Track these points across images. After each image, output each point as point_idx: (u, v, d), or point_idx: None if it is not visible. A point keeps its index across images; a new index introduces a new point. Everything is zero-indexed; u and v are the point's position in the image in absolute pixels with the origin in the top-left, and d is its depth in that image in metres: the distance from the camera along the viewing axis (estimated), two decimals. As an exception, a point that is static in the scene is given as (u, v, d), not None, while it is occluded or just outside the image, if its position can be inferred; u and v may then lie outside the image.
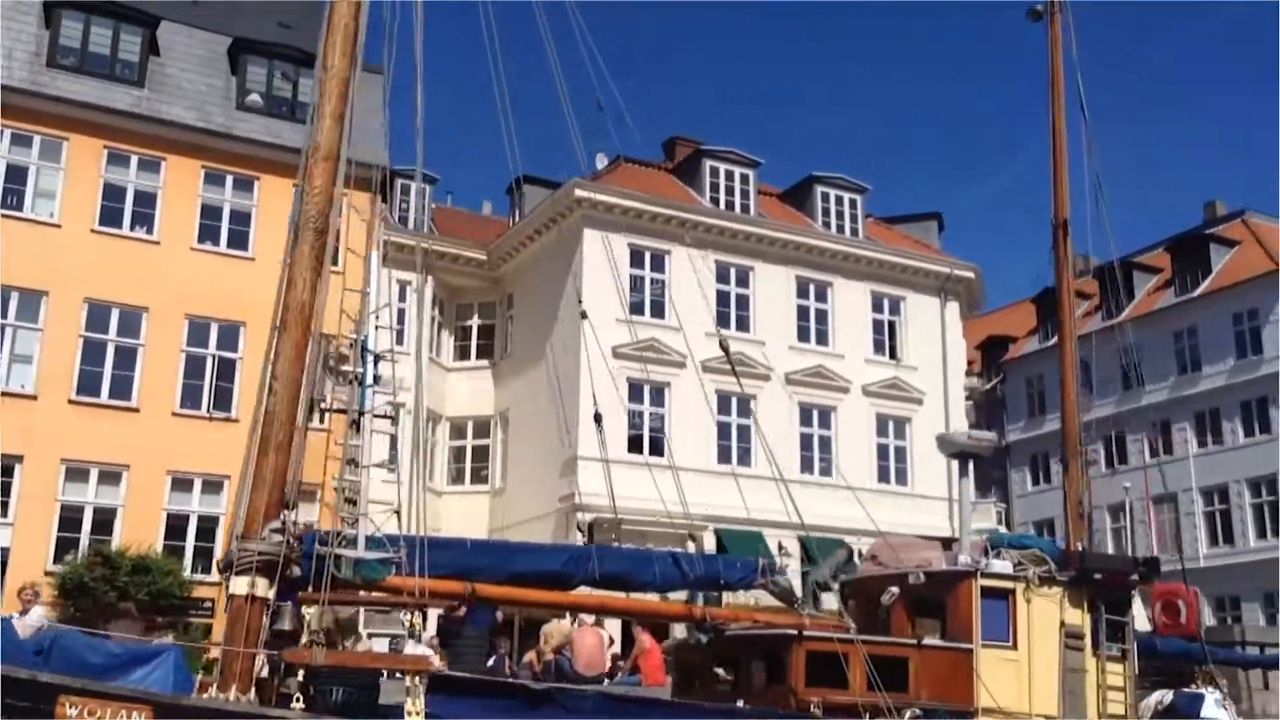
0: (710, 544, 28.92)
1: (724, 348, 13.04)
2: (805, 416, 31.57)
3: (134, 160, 24.87)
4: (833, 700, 10.17)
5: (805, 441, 31.46)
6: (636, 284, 30.30)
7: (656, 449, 29.34)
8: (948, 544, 12.66)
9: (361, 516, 8.38)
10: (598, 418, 13.67)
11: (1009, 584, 11.70)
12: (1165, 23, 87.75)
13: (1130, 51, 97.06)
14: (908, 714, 10.56)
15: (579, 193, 29.58)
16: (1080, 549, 12.43)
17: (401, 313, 31.92)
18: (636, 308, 30.09)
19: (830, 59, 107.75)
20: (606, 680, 14.45)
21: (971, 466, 13.08)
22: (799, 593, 11.88)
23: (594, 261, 29.67)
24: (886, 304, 33.65)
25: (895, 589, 11.89)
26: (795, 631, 10.47)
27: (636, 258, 30.38)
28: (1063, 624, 11.83)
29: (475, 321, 33.81)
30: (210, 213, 25.57)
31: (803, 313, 32.31)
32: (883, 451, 32.43)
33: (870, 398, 32.31)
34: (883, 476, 32.20)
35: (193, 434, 23.97)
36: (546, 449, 29.67)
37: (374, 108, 27.36)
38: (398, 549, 8.35)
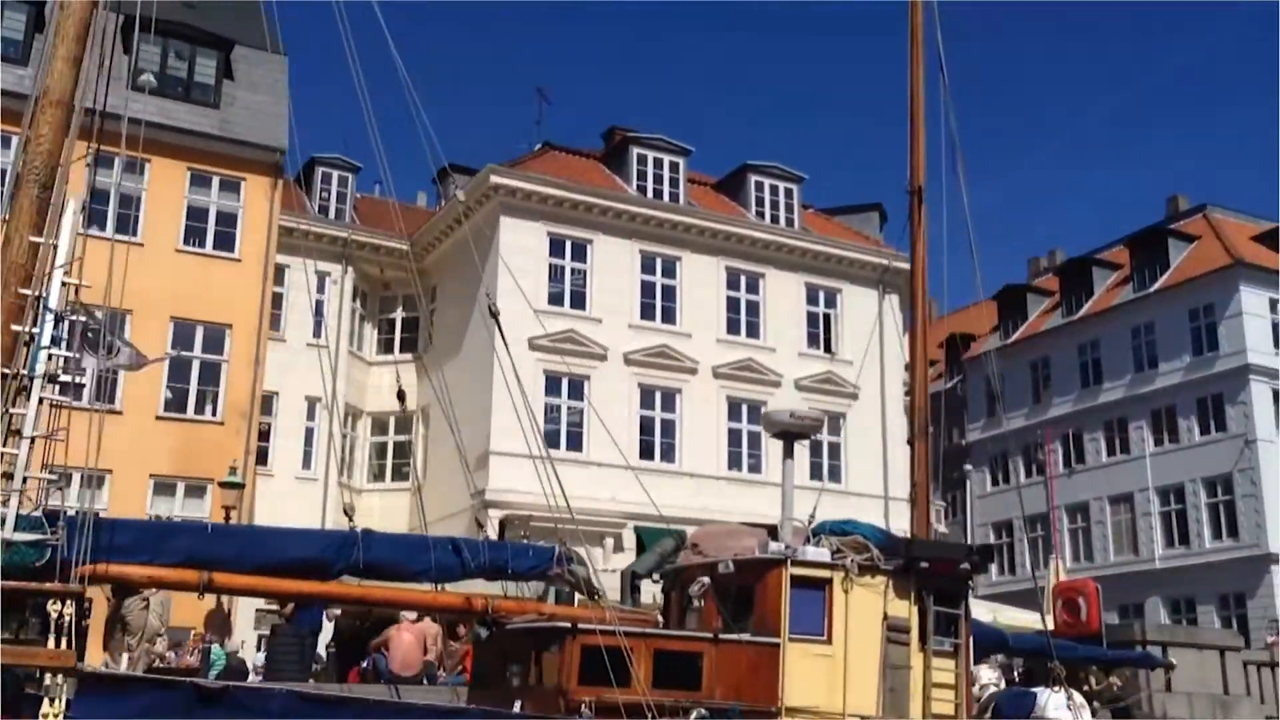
0: (630, 542, 28.06)
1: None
2: (733, 412, 30.66)
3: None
4: (607, 700, 9.25)
5: (733, 437, 30.55)
6: (556, 274, 29.39)
7: (575, 444, 28.49)
8: (776, 532, 11.72)
9: (14, 493, 7.41)
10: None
11: (824, 573, 10.77)
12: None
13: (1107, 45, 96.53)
14: (694, 714, 9.65)
15: (495, 179, 28.69)
16: (907, 536, 11.51)
17: (320, 305, 31.07)
18: (556, 298, 29.23)
19: (794, 56, 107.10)
20: (425, 680, 13.52)
21: (795, 447, 12.10)
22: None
23: (511, 250, 28.78)
24: (822, 296, 32.76)
25: (705, 579, 10.97)
26: (568, 625, 9.55)
27: (556, 247, 29.49)
28: (886, 616, 10.90)
29: (399, 314, 32.89)
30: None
31: (733, 305, 31.42)
32: (815, 448, 31.47)
33: (803, 393, 31.37)
34: (815, 473, 31.22)
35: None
36: (465, 444, 28.71)
37: (278, 90, 26.35)
38: (55, 529, 7.40)
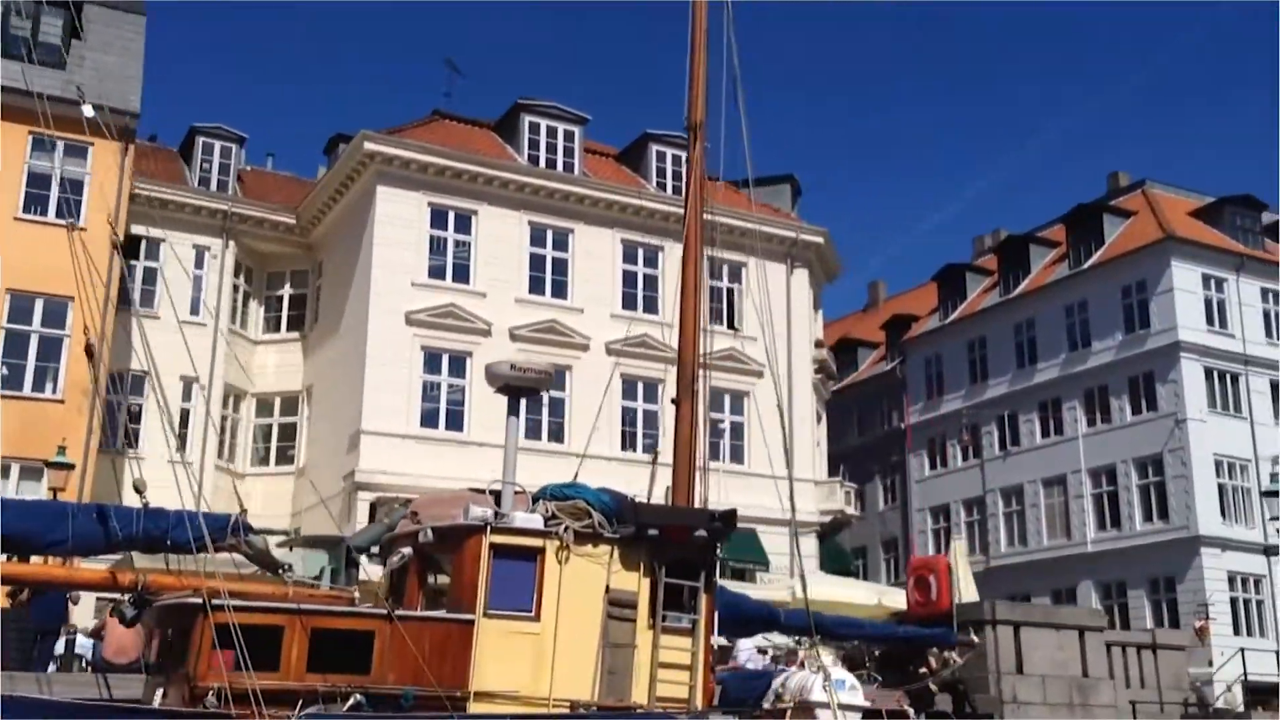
0: (513, 525, 26.81)
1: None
2: (629, 389, 29.48)
3: None
4: (239, 685, 8.08)
5: (628, 417, 29.39)
6: (438, 246, 28.16)
7: (456, 424, 27.31)
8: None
9: None
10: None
11: (534, 541, 9.62)
12: None
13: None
14: (349, 701, 8.49)
15: (369, 146, 27.43)
16: (635, 499, 10.35)
17: (198, 280, 29.83)
18: (437, 271, 28.02)
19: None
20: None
21: (522, 404, 10.92)
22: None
23: (388, 221, 27.59)
24: (726, 271, 31.58)
25: (406, 550, 9.82)
26: (200, 601, 8.37)
27: (438, 218, 28.25)
28: (608, 590, 9.75)
29: (287, 291, 31.61)
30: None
31: (629, 279, 30.24)
32: (718, 428, 30.34)
33: (703, 369, 30.15)
34: (715, 454, 30.08)
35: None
36: (343, 424, 27.58)
37: (133, 51, 24.83)
38: None
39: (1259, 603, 37.65)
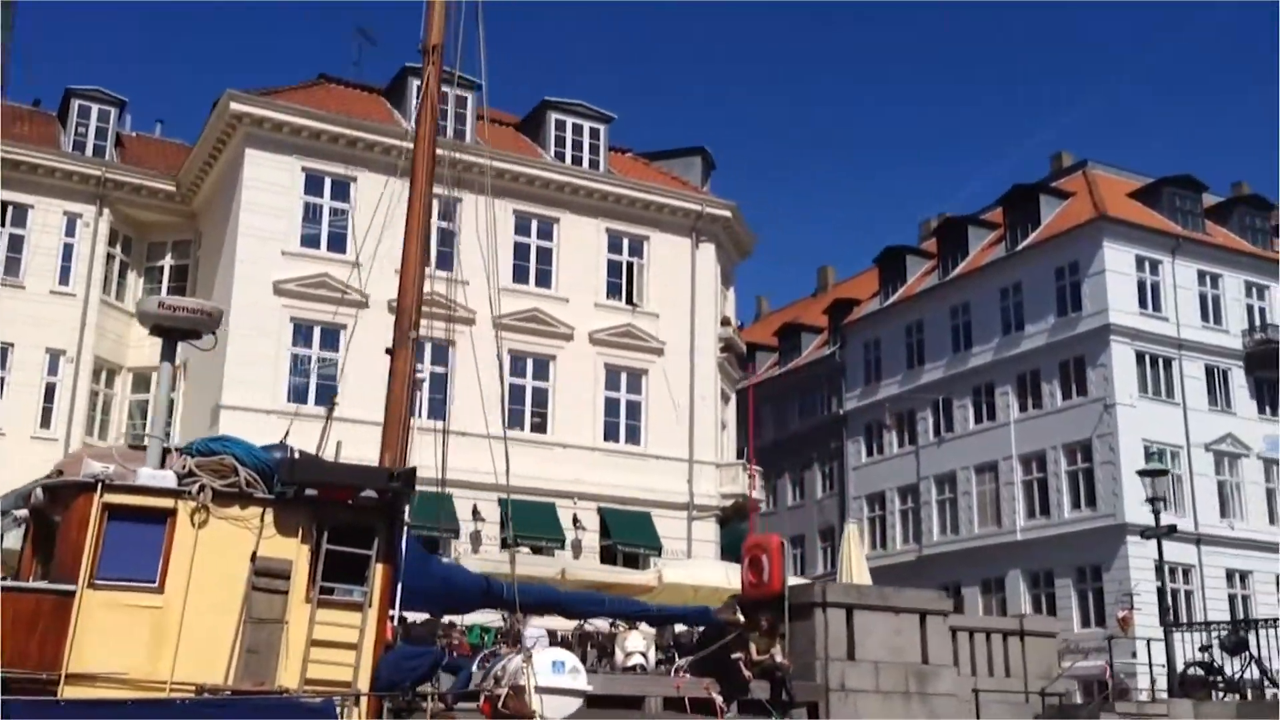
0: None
1: None
2: (517, 366, 28.22)
3: None
4: None
5: (516, 394, 28.11)
6: (313, 213, 26.88)
7: (328, 400, 25.98)
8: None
9: None
10: None
11: (162, 501, 8.40)
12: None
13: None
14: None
15: (235, 106, 26.13)
16: (295, 454, 9.10)
17: (69, 249, 28.53)
18: (311, 240, 26.74)
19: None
20: None
21: (178, 347, 9.70)
22: None
23: (257, 186, 26.33)
24: (626, 244, 30.35)
25: (22, 511, 8.59)
26: None
27: (313, 184, 26.97)
28: (256, 558, 8.54)
29: (169, 261, 30.28)
30: None
31: (521, 251, 28.98)
32: (611, 407, 29.15)
33: (598, 346, 29.01)
34: (610, 434, 28.94)
35: None
36: (210, 399, 26.32)
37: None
38: None
39: (1188, 593, 36.61)
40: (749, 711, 14.34)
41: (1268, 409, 39.57)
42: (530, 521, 26.63)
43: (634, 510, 28.06)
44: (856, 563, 24.26)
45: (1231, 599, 36.74)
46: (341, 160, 27.07)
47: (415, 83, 28.58)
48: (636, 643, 15.79)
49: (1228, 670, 18.55)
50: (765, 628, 15.41)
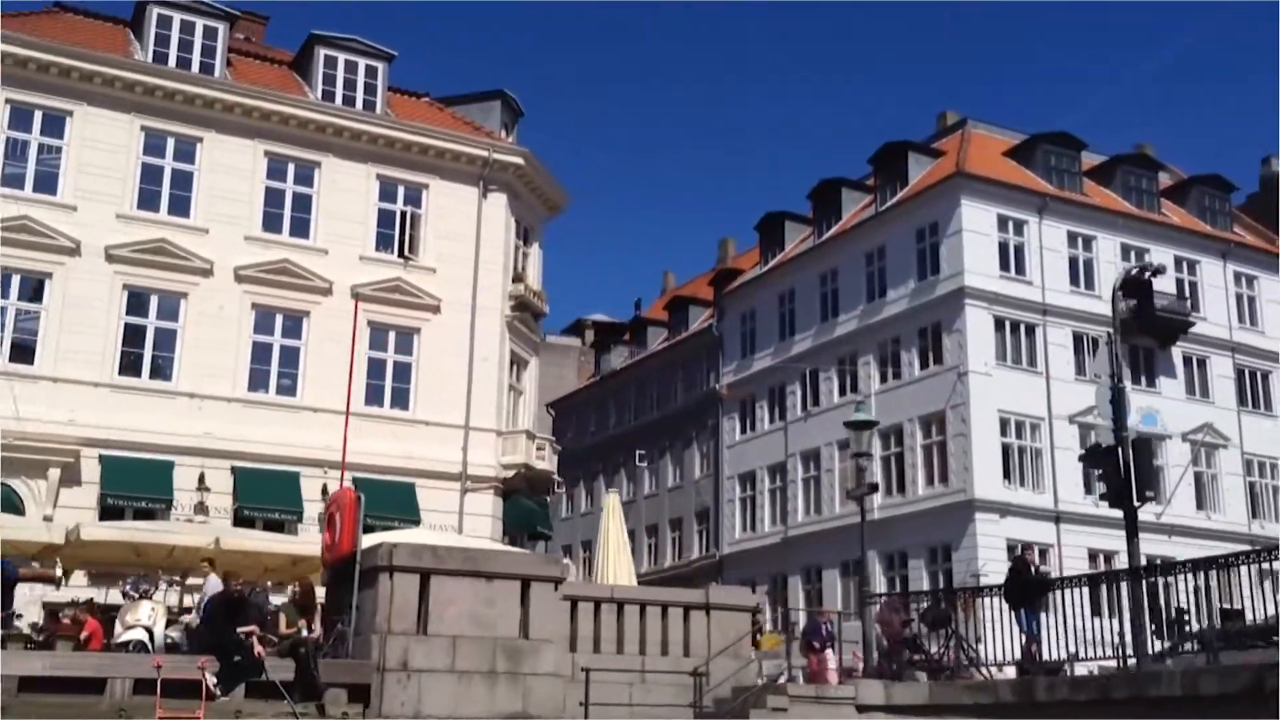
0: (93, 473, 23.15)
1: None
2: (264, 323, 25.69)
3: None
4: None
5: (261, 353, 25.59)
6: (18, 150, 24.29)
7: (25, 355, 23.52)
8: None
9: None
10: None
11: None
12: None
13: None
14: None
15: (-75, 31, 23.58)
16: None
17: None
18: (14, 179, 24.15)
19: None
20: None
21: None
22: None
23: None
24: (402, 192, 27.79)
25: None
26: None
27: (21, 118, 24.38)
28: None
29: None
30: None
31: (274, 197, 26.40)
32: (377, 368, 26.59)
33: (362, 302, 26.43)
34: (375, 398, 26.38)
35: None
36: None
37: None
38: None
39: (1045, 574, 34.03)
40: (259, 695, 11.84)
41: (1142, 379, 37.09)
42: (268, 492, 24.16)
43: (394, 481, 25.51)
44: (615, 536, 21.84)
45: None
46: (58, 93, 24.49)
47: (157, 11, 26.22)
48: (142, 614, 13.28)
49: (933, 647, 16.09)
50: (296, 596, 12.98)
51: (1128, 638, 14.81)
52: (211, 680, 11.43)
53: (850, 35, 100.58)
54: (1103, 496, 17.36)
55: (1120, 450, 17.01)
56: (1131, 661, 14.48)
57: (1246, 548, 18.10)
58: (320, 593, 14.15)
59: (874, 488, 19.90)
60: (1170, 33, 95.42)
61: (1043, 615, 16.31)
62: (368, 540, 14.10)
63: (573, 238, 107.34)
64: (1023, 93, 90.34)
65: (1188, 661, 14.12)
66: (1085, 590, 15.34)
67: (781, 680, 19.10)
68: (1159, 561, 19.41)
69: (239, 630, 11.76)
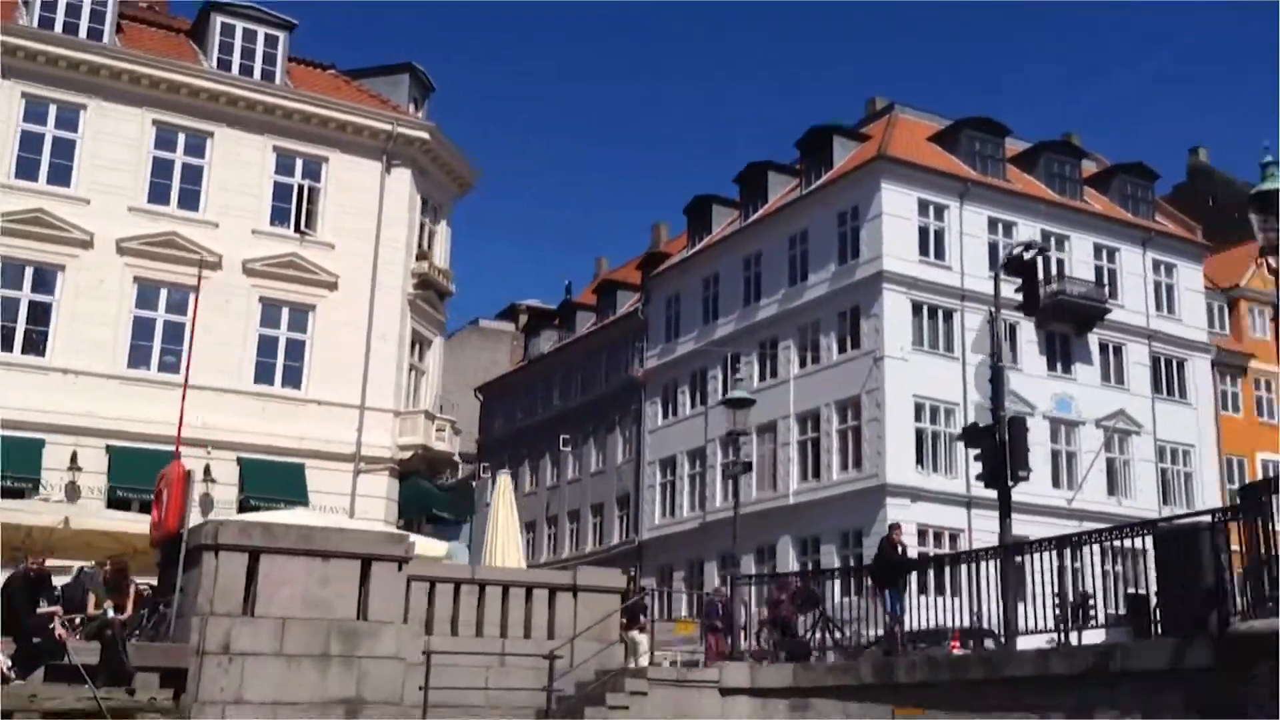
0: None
1: None
2: (147, 297, 24.85)
3: None
4: None
5: (143, 329, 24.75)
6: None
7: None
8: None
9: None
10: None
11: None
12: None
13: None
14: None
15: None
16: None
17: None
18: None
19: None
20: None
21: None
22: None
23: None
24: (300, 165, 27.00)
25: None
26: None
27: None
28: None
29: None
30: None
31: (162, 168, 25.54)
32: (268, 346, 25.85)
33: (253, 278, 25.66)
34: (265, 376, 25.65)
35: None
36: None
37: None
38: None
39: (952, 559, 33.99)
40: (61, 679, 11.20)
41: (1058, 365, 37.15)
42: (143, 472, 23.30)
43: (282, 461, 24.81)
44: (505, 519, 21.30)
45: (1004, 566, 34.21)
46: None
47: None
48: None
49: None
50: (107, 575, 12.35)
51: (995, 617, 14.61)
52: (6, 663, 10.80)
53: (789, 19, 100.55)
54: (978, 476, 17.20)
55: (997, 430, 16.84)
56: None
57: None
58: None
59: (748, 466, 19.47)
60: (1109, 28, 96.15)
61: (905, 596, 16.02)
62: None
63: (508, 222, 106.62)
64: (961, 82, 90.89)
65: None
66: (947, 570, 15.04)
67: (698, 664, 18.71)
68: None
69: (39, 611, 11.14)
